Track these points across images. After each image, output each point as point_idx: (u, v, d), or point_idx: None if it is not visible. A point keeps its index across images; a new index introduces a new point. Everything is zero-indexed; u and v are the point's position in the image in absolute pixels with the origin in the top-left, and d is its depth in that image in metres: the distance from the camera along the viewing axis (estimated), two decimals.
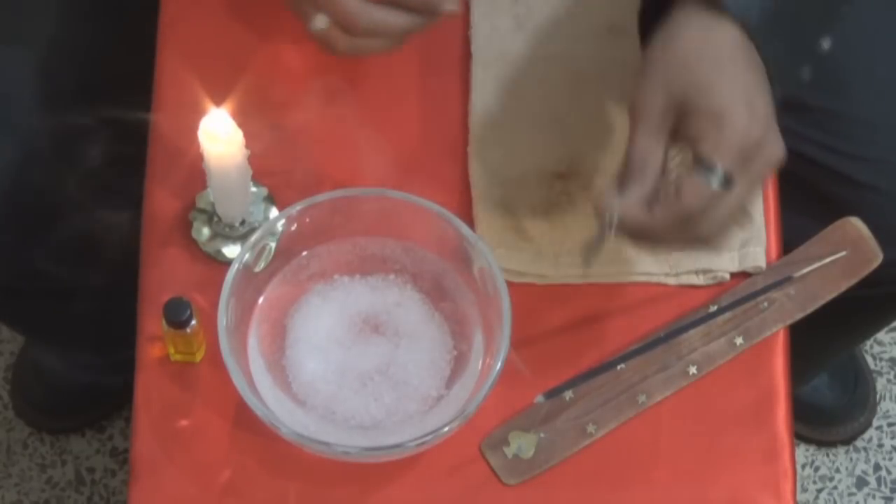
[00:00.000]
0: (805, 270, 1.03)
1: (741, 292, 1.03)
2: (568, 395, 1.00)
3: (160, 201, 1.05)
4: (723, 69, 0.92)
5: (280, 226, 0.99)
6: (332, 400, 0.98)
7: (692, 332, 1.02)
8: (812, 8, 0.95)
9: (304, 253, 1.02)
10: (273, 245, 0.99)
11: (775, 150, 0.91)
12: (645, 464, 1.00)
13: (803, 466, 1.69)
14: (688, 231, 0.91)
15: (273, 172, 1.06)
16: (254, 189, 1.04)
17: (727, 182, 0.89)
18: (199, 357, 1.01)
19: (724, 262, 1.04)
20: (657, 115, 0.91)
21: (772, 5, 0.91)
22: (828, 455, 1.70)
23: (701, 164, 0.89)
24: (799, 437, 1.68)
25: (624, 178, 0.91)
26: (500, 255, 1.02)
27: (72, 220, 1.25)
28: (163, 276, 1.03)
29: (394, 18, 0.97)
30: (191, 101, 1.05)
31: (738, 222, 0.93)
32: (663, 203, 0.91)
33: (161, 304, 0.97)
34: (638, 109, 0.92)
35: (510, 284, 0.97)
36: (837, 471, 1.70)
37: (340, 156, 1.07)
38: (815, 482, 1.69)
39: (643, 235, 0.92)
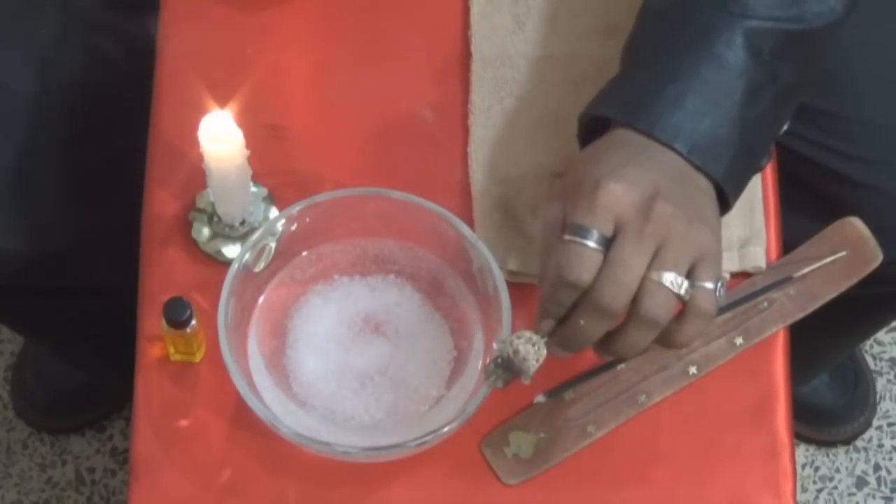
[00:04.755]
0: (805, 270, 1.03)
1: (741, 292, 1.03)
2: (568, 395, 1.00)
3: (160, 201, 1.05)
4: (598, 151, 0.90)
5: (280, 226, 0.99)
6: (332, 400, 0.98)
7: None
8: (756, 129, 0.92)
9: (304, 253, 1.02)
10: (273, 245, 0.99)
11: (669, 212, 0.85)
12: (645, 464, 1.00)
13: (803, 466, 1.69)
14: (590, 307, 0.85)
15: (273, 172, 1.06)
16: (254, 189, 1.04)
17: (605, 243, 0.85)
18: (199, 357, 1.01)
19: (724, 262, 1.03)
20: (558, 227, 0.88)
21: (708, 131, 0.89)
22: (828, 455, 1.70)
23: (575, 231, 0.85)
24: (799, 437, 1.68)
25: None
26: (500, 255, 1.02)
27: (71, 219, 1.25)
28: (163, 276, 1.03)
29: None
30: (191, 101, 1.05)
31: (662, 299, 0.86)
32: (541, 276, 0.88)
33: (161, 304, 0.97)
34: (541, 222, 0.90)
35: (510, 284, 0.97)
36: (837, 471, 1.70)
37: (340, 156, 1.07)
38: (815, 482, 1.69)
39: (566, 339, 0.88)
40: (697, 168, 0.89)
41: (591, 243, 0.85)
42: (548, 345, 0.88)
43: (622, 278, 0.85)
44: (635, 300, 0.85)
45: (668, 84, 0.90)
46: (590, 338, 0.87)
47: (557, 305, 0.87)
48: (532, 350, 0.88)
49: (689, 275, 0.86)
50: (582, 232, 0.85)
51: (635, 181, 0.86)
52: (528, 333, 0.88)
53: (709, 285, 0.86)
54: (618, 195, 0.85)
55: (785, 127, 0.96)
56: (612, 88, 0.94)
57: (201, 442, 0.99)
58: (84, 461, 1.67)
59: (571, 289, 0.85)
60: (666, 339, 0.87)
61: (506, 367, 0.89)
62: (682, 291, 0.86)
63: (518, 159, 1.07)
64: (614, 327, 0.87)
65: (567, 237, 0.86)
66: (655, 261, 0.85)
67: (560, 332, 0.88)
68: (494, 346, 0.90)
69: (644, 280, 0.85)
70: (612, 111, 0.92)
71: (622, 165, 0.87)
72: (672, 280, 0.85)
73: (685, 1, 0.93)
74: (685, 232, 0.86)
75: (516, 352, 0.88)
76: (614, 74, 0.96)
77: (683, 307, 0.87)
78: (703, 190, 0.89)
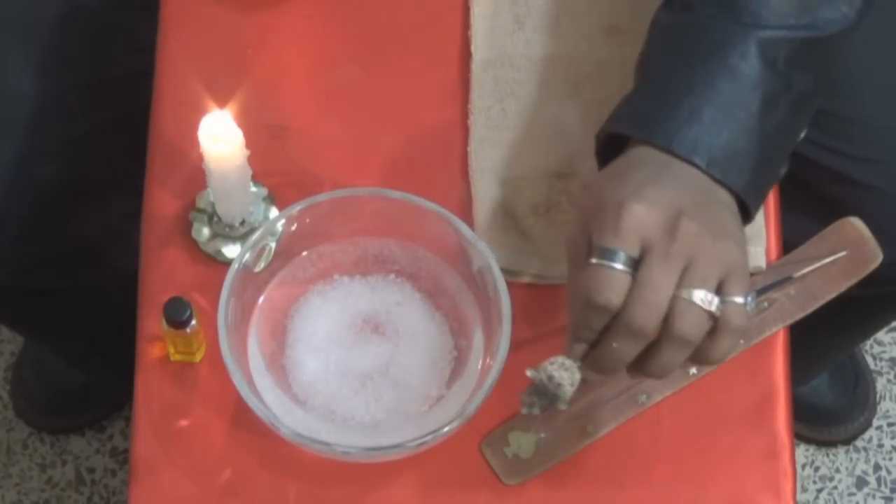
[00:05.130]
0: (805, 270, 1.03)
1: None
2: None
3: (160, 201, 1.05)
4: (618, 172, 0.89)
5: (280, 226, 0.99)
6: (332, 400, 0.98)
7: None
8: (774, 141, 0.92)
9: (304, 253, 1.02)
10: (273, 245, 0.99)
11: (693, 230, 0.85)
12: (645, 464, 1.00)
13: (803, 466, 1.69)
14: (622, 330, 0.85)
15: (273, 172, 1.06)
16: (254, 189, 1.04)
17: (632, 264, 0.85)
18: (199, 357, 1.01)
19: None
20: (583, 250, 0.88)
21: (726, 143, 0.89)
22: (828, 455, 1.70)
23: (602, 255, 0.85)
24: (799, 437, 1.68)
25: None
26: (500, 255, 1.02)
27: (72, 219, 1.25)
28: (163, 276, 1.03)
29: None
30: (191, 101, 1.05)
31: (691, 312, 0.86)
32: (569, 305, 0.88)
33: (161, 304, 0.97)
34: (566, 246, 0.90)
35: (510, 284, 0.97)
36: (837, 471, 1.70)
37: (340, 156, 1.07)
38: (815, 482, 1.69)
39: (599, 362, 0.88)
40: (717, 181, 0.89)
41: (619, 265, 0.85)
42: (581, 369, 0.88)
43: (652, 299, 0.84)
44: (667, 320, 0.85)
45: (683, 98, 0.90)
46: (623, 360, 0.87)
47: (589, 330, 0.87)
48: (566, 375, 0.88)
49: (719, 290, 0.86)
50: (609, 255, 0.85)
51: (659, 201, 0.86)
52: (560, 359, 0.88)
53: (739, 300, 0.86)
54: (642, 216, 0.85)
55: (803, 135, 0.96)
56: (627, 105, 0.93)
57: (201, 442, 0.99)
58: (84, 461, 1.67)
59: (602, 312, 0.85)
60: (700, 356, 0.87)
61: (541, 394, 0.89)
62: (713, 308, 0.85)
63: (518, 159, 1.07)
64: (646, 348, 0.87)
65: (594, 260, 0.86)
66: (684, 279, 0.85)
67: (593, 355, 0.88)
68: (528, 373, 0.89)
69: (674, 299, 0.85)
70: (628, 128, 0.91)
71: (644, 185, 0.87)
72: (702, 297, 0.85)
73: (696, 14, 0.93)
74: (711, 248, 0.86)
75: (550, 378, 0.88)
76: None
77: (715, 323, 0.86)
78: (725, 204, 0.89)
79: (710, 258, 0.86)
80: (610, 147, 0.93)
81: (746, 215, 0.91)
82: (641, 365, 0.88)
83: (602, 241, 0.86)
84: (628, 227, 0.85)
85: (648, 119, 0.90)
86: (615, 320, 0.86)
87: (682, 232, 0.85)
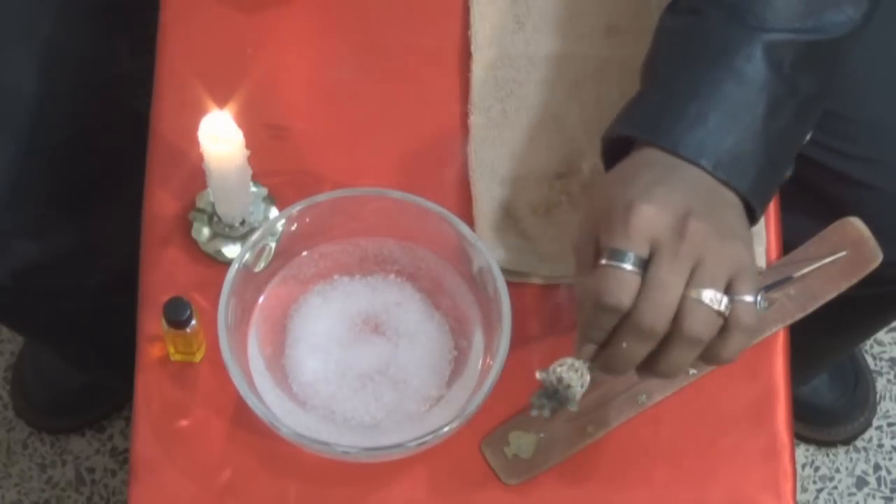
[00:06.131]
0: (805, 270, 1.03)
1: None
2: None
3: (160, 201, 1.05)
4: (625, 173, 0.90)
5: (280, 226, 0.99)
6: (332, 400, 0.98)
7: None
8: (779, 143, 0.92)
9: (304, 253, 1.02)
10: (273, 245, 0.99)
11: (703, 230, 0.85)
12: (645, 464, 1.00)
13: (803, 466, 1.69)
14: (632, 330, 0.85)
15: (273, 172, 1.06)
16: (254, 189, 1.04)
17: (642, 265, 0.85)
18: (199, 357, 1.01)
19: None
20: (591, 251, 0.88)
21: (732, 146, 0.89)
22: (828, 455, 1.70)
23: (612, 256, 0.86)
24: (799, 437, 1.68)
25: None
26: (500, 255, 1.02)
27: (72, 219, 1.25)
28: (163, 276, 1.03)
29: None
30: (191, 101, 1.05)
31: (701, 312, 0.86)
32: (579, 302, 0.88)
33: (161, 304, 0.97)
34: (574, 248, 0.90)
35: (510, 284, 0.97)
36: (837, 471, 1.70)
37: (340, 156, 1.07)
38: (815, 482, 1.69)
39: (609, 363, 0.88)
40: (723, 183, 0.89)
41: (629, 266, 0.85)
42: (591, 369, 0.88)
43: (662, 299, 0.85)
44: (677, 320, 0.85)
45: (689, 102, 0.90)
46: (633, 360, 0.87)
47: (598, 330, 0.87)
48: (576, 376, 0.88)
49: (728, 290, 0.86)
50: (618, 256, 0.85)
51: (667, 202, 0.86)
52: (570, 360, 0.88)
53: (748, 298, 0.86)
54: (651, 217, 0.86)
55: (808, 137, 0.96)
56: (633, 108, 0.93)
57: (201, 442, 0.99)
58: (84, 461, 1.67)
59: (612, 313, 0.86)
60: (710, 355, 0.88)
61: (551, 396, 0.89)
62: (723, 307, 0.86)
63: (518, 159, 1.07)
64: (656, 348, 0.87)
65: (604, 262, 0.86)
66: (693, 279, 0.85)
67: (602, 356, 0.88)
68: (537, 375, 0.89)
69: (684, 299, 0.85)
70: (635, 131, 0.92)
71: (652, 186, 0.87)
72: (712, 297, 0.85)
73: (702, 18, 0.93)
74: (720, 248, 0.86)
75: (560, 379, 0.88)
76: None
77: (725, 322, 0.87)
78: (732, 205, 0.90)
79: (718, 258, 0.86)
80: (615, 149, 0.93)
81: (752, 217, 0.91)
82: (651, 365, 0.88)
83: (611, 243, 0.86)
84: (637, 228, 0.85)
85: (655, 122, 0.91)
86: (625, 320, 0.86)
87: (690, 232, 0.85)
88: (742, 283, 0.86)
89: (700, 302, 0.85)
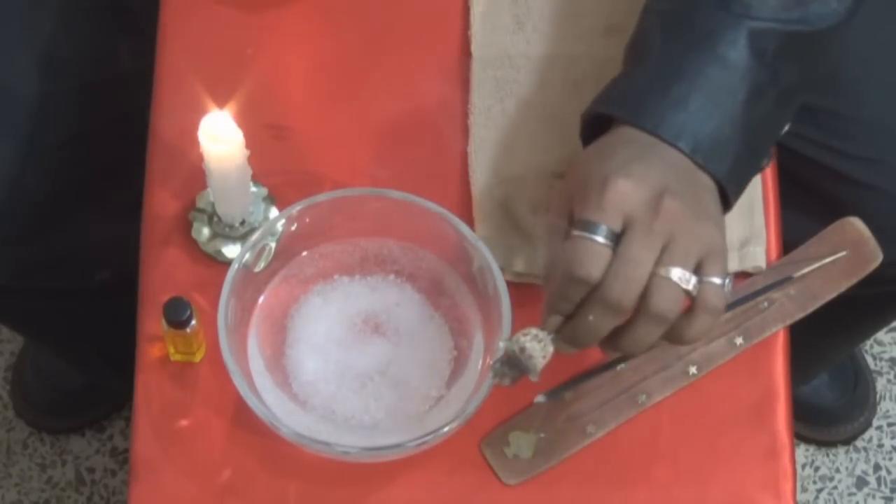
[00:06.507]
0: (805, 270, 1.03)
1: (741, 292, 1.03)
2: (568, 395, 1.00)
3: (160, 201, 1.05)
4: (604, 149, 0.90)
5: (280, 226, 0.99)
6: (332, 400, 0.98)
7: None
8: (759, 129, 0.93)
9: (304, 253, 1.02)
10: (273, 245, 0.99)
11: (677, 210, 0.86)
12: (645, 464, 1.00)
13: (803, 466, 1.69)
14: (599, 303, 0.85)
15: (273, 172, 1.06)
16: (254, 189, 1.04)
17: (613, 238, 0.85)
18: (199, 357, 1.01)
19: None
20: (564, 224, 0.88)
21: (711, 131, 0.90)
22: (828, 455, 1.70)
23: (585, 227, 0.85)
24: (799, 437, 1.68)
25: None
26: (501, 255, 1.02)
27: (72, 220, 1.25)
28: (163, 276, 1.03)
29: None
30: (191, 101, 1.05)
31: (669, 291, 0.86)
32: (548, 270, 0.88)
33: (161, 304, 0.97)
34: (548, 220, 0.90)
35: (510, 284, 0.97)
36: (837, 471, 1.70)
37: (340, 156, 1.07)
38: (815, 482, 1.69)
39: (574, 335, 0.88)
40: (700, 167, 0.89)
41: (601, 239, 0.85)
42: (554, 341, 0.88)
43: (631, 274, 0.85)
44: (644, 296, 0.85)
45: (672, 84, 0.90)
46: (598, 334, 0.87)
47: (566, 302, 0.87)
48: (538, 347, 0.88)
49: (697, 271, 0.86)
50: (591, 228, 0.85)
51: (644, 178, 0.86)
52: (534, 330, 0.88)
53: (717, 280, 0.86)
54: (627, 191, 0.86)
55: (786, 128, 0.96)
56: (615, 87, 0.94)
57: (201, 442, 0.99)
58: (84, 461, 1.67)
59: (580, 284, 0.86)
60: (674, 334, 0.88)
61: (512, 365, 0.89)
62: (691, 287, 0.86)
63: (518, 159, 1.07)
64: (622, 323, 0.88)
65: (576, 233, 0.86)
66: (664, 256, 0.85)
67: (568, 328, 0.88)
68: (500, 343, 0.89)
69: (652, 276, 0.85)
70: (616, 110, 0.92)
71: (630, 162, 0.87)
72: (680, 275, 0.85)
73: (688, 1, 0.93)
74: (693, 228, 0.86)
75: (523, 349, 0.88)
76: (615, 74, 0.96)
77: (692, 303, 0.87)
78: (708, 188, 0.90)
79: (690, 237, 0.86)
80: (595, 127, 0.93)
81: (725, 203, 0.91)
82: (616, 340, 0.88)
83: (584, 215, 0.86)
84: (612, 202, 0.85)
85: (637, 103, 0.91)
86: (593, 293, 0.86)
87: (664, 209, 0.85)
88: (712, 264, 0.86)
89: (668, 279, 0.85)
